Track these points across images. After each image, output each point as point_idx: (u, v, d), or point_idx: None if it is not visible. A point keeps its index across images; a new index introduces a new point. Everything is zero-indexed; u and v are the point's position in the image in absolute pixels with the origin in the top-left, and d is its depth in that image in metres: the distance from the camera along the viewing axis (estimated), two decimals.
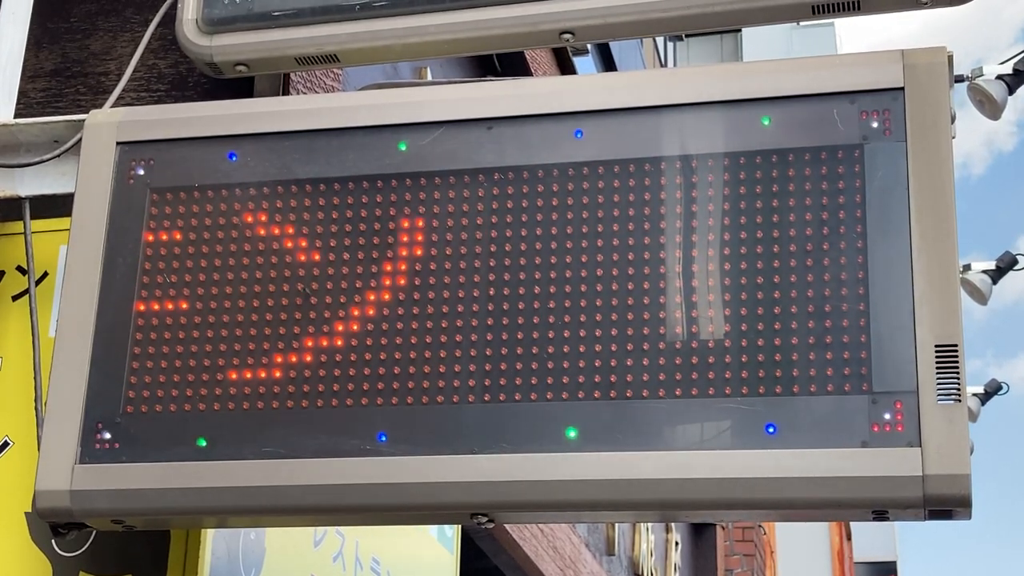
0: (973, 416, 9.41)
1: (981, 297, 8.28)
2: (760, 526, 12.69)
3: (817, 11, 2.51)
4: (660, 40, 14.42)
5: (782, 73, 2.31)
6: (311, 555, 3.21)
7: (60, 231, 2.79)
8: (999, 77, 6.67)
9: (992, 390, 9.51)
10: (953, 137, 2.23)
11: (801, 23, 24.73)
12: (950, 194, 2.18)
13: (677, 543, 10.13)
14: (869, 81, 2.26)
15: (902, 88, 2.24)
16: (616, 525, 7.82)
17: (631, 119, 2.35)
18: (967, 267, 8.23)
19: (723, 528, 12.02)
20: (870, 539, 22.63)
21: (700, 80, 2.35)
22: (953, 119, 2.25)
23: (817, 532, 18.12)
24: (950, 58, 2.26)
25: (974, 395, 9.47)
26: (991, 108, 6.61)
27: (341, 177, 2.42)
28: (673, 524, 9.99)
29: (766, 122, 2.28)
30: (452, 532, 4.49)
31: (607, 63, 8.76)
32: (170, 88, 3.17)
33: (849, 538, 21.04)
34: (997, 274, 8.26)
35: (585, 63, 8.08)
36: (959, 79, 6.66)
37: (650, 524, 8.88)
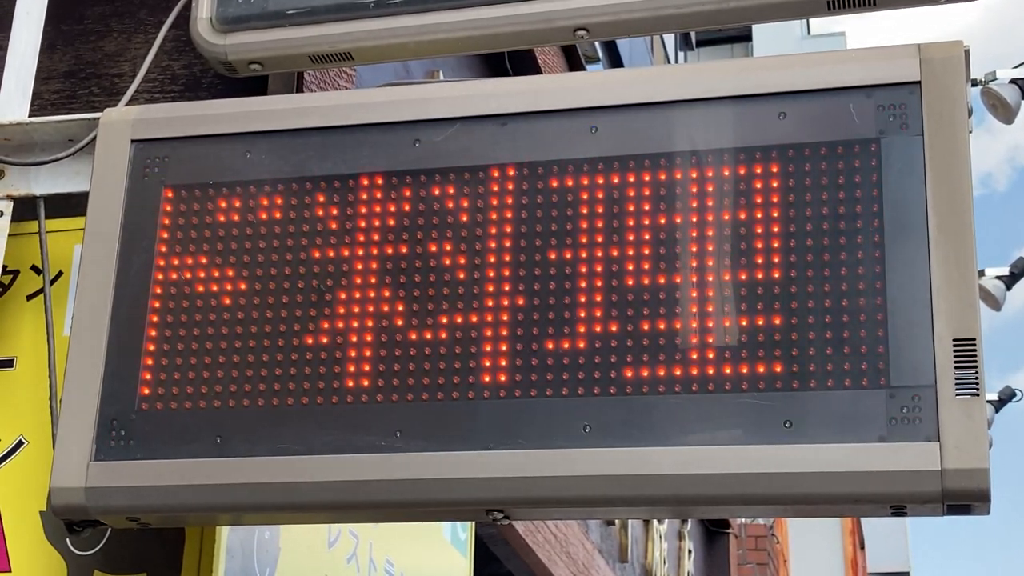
0: (987, 422, 9.37)
1: (995, 303, 8.25)
2: (773, 534, 12.66)
3: (832, 7, 2.50)
4: (671, 49, 14.44)
5: (798, 68, 2.31)
6: (325, 555, 3.21)
7: (75, 231, 2.79)
8: (1012, 81, 6.65)
9: (1006, 397, 9.49)
10: (970, 131, 2.22)
11: (812, 33, 24.79)
12: (967, 188, 2.17)
13: (690, 551, 10.11)
14: (885, 75, 2.25)
15: (919, 82, 2.23)
16: (629, 532, 7.81)
17: (646, 115, 2.34)
18: (981, 273, 8.20)
19: (736, 537, 12.00)
20: (883, 548, 22.57)
21: (715, 75, 2.35)
22: (970, 113, 2.24)
23: (831, 541, 18.07)
24: (966, 52, 2.25)
25: (988, 402, 9.44)
26: (1004, 112, 6.59)
27: (356, 174, 2.41)
28: (686, 532, 9.97)
29: (782, 117, 2.27)
30: (466, 536, 4.48)
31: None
32: (184, 89, 3.18)
33: (863, 547, 20.99)
34: (1011, 280, 8.23)
35: (596, 70, 8.08)
36: (973, 83, 6.64)
37: (663, 532, 8.86)
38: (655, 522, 8.54)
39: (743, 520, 12.06)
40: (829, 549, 18.10)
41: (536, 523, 5.43)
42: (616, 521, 7.56)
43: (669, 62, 13.56)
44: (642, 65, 9.83)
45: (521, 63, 5.21)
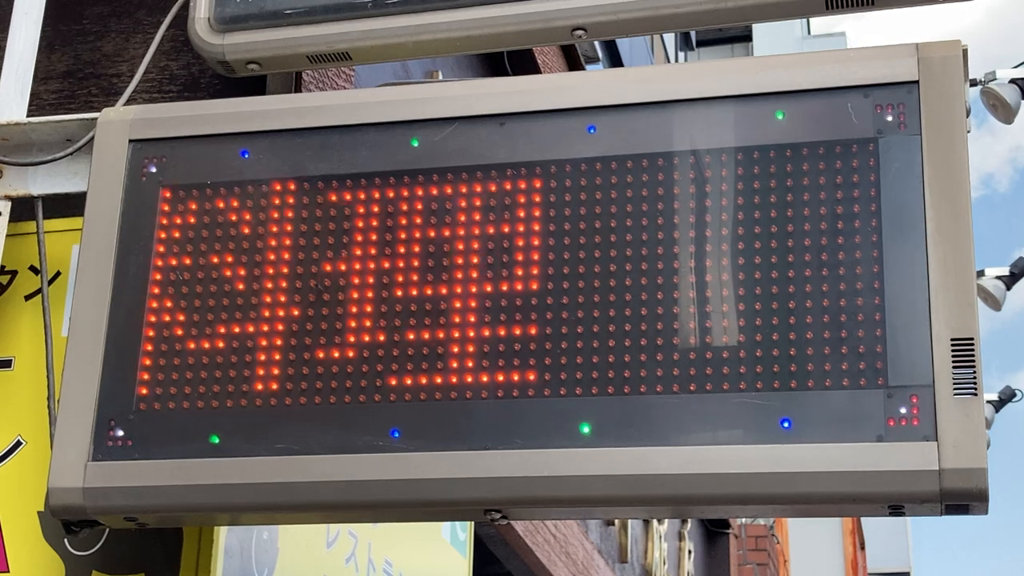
0: (987, 423, 9.36)
1: (995, 303, 8.24)
2: (773, 534, 12.66)
3: (830, 6, 2.50)
4: (672, 50, 14.44)
5: (796, 67, 2.30)
6: (324, 556, 3.20)
7: (73, 231, 2.79)
8: (1012, 81, 6.65)
9: (1006, 397, 9.48)
10: (968, 131, 2.22)
11: (813, 34, 24.81)
12: (965, 187, 2.17)
13: (690, 551, 10.11)
14: (883, 75, 2.25)
15: (916, 82, 2.23)
16: (629, 532, 7.80)
17: (644, 114, 2.34)
18: (980, 273, 8.20)
19: (736, 537, 12.00)
20: (884, 549, 22.57)
21: (713, 75, 2.34)
22: (968, 113, 2.23)
23: (831, 541, 18.07)
24: (965, 52, 2.25)
25: (988, 402, 9.44)
26: (1004, 112, 6.59)
27: (353, 174, 2.41)
28: (686, 532, 9.97)
29: (780, 116, 2.27)
30: (465, 536, 4.48)
31: None
32: (182, 89, 3.17)
33: (863, 547, 20.98)
34: (1011, 280, 8.22)
35: (596, 70, 8.07)
36: (972, 83, 6.65)
37: (663, 532, 8.85)
38: (655, 522, 8.54)
39: (743, 520, 12.06)
40: (829, 549, 18.10)
41: (536, 523, 5.43)
42: (616, 521, 7.56)
43: (669, 62, 13.56)
44: (642, 63, 9.82)
45: (521, 63, 5.21)
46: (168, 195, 2.48)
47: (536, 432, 2.21)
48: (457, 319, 2.28)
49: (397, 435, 2.26)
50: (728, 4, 2.49)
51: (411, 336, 2.30)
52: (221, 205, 2.45)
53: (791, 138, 2.25)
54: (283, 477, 2.27)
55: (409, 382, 2.27)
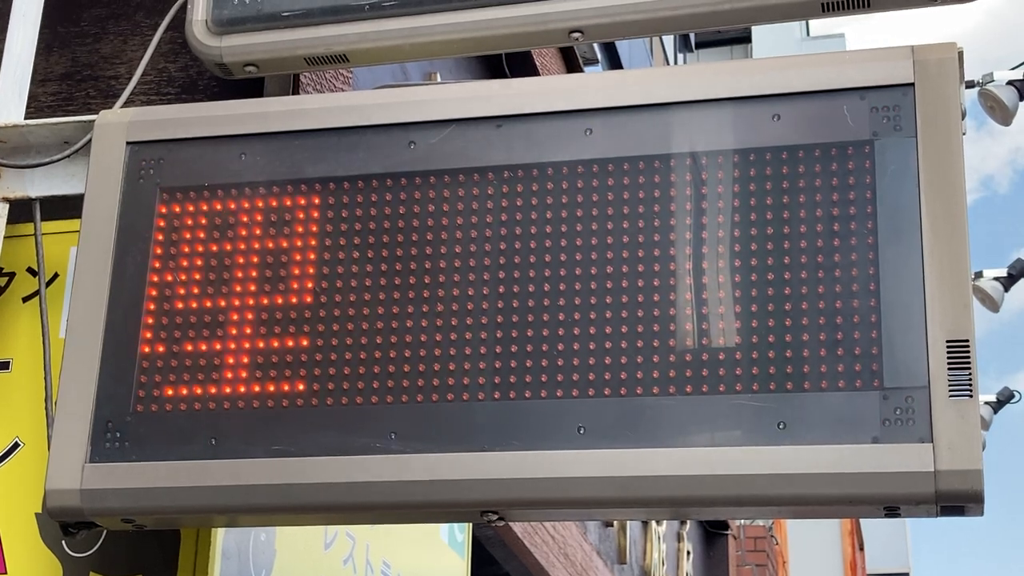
0: (985, 424, 9.38)
1: (993, 304, 8.25)
2: (772, 535, 12.67)
3: (827, 9, 2.50)
4: (671, 52, 14.45)
5: (792, 69, 2.31)
6: (322, 557, 3.21)
7: (70, 233, 2.79)
8: (1010, 83, 6.66)
9: (1004, 398, 9.48)
10: (964, 133, 2.23)
11: (812, 35, 24.81)
12: (961, 190, 2.17)
13: (689, 552, 10.11)
14: (879, 77, 2.25)
15: (912, 84, 2.23)
16: (627, 533, 7.81)
17: (641, 116, 2.34)
18: (979, 274, 8.20)
19: (735, 538, 12.00)
20: (883, 549, 22.57)
21: (710, 77, 2.35)
22: (964, 115, 2.24)
23: (829, 542, 18.07)
24: (960, 54, 2.25)
25: (986, 403, 9.45)
26: (1002, 113, 6.60)
27: (351, 176, 2.42)
28: (685, 534, 9.97)
29: (776, 119, 2.27)
30: (463, 537, 4.49)
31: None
32: (180, 91, 3.18)
33: (862, 548, 20.99)
34: (1009, 281, 8.23)
35: (595, 71, 8.08)
36: (970, 85, 6.66)
37: (662, 533, 8.86)
38: (654, 523, 8.54)
39: (742, 521, 12.07)
40: (828, 550, 18.11)
41: (534, 524, 5.44)
42: (615, 522, 7.56)
43: (668, 64, 13.56)
44: (641, 67, 9.83)
45: (519, 65, 5.22)
46: (166, 197, 2.48)
47: (533, 433, 2.21)
48: (455, 321, 2.29)
49: (394, 436, 2.26)
50: (724, 6, 2.50)
51: (407, 338, 2.30)
52: (218, 207, 2.45)
53: (787, 140, 2.26)
54: (280, 479, 2.27)
55: (406, 383, 2.28)
